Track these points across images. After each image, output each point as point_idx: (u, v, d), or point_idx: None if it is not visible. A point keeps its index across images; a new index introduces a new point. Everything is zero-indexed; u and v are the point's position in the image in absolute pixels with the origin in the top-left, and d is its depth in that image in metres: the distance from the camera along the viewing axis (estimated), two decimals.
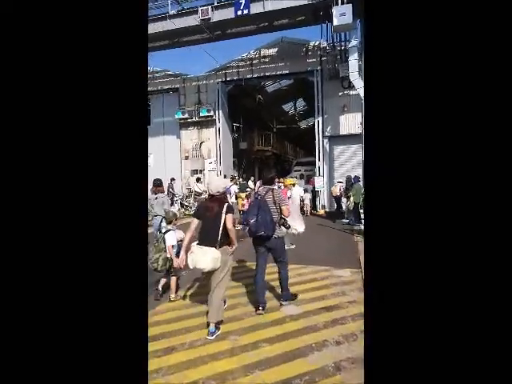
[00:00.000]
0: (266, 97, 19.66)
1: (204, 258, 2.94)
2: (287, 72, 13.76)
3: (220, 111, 14.36)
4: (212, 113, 14.27)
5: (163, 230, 5.44)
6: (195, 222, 3.20)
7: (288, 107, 24.46)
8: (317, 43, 13.31)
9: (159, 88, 15.54)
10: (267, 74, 13.99)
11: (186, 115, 14.62)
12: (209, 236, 3.03)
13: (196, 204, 12.17)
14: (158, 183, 5.58)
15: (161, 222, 5.48)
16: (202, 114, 14.41)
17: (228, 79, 14.53)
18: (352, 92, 12.81)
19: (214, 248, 2.97)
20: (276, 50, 13.82)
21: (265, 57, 14.00)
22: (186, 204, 11.80)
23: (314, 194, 13.21)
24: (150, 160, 9.12)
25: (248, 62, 14.22)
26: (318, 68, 13.12)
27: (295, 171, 19.10)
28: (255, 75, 14.13)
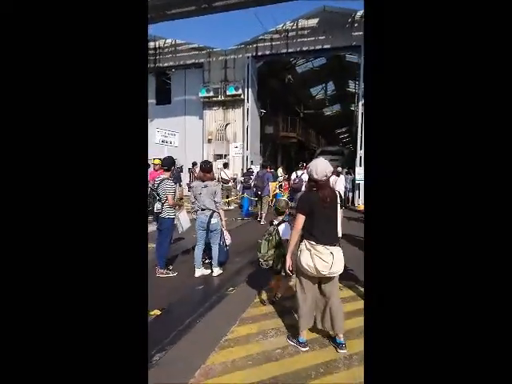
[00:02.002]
0: (295, 78, 17.98)
1: (338, 258, 2.47)
2: (329, 47, 12.07)
3: (249, 90, 12.83)
4: (240, 91, 12.76)
5: (213, 228, 4.16)
6: (302, 218, 2.51)
7: (316, 91, 22.68)
8: None
9: (181, 63, 14.08)
10: (305, 48, 12.32)
11: (211, 93, 13.18)
12: (330, 232, 2.53)
13: (221, 192, 10.80)
14: (207, 167, 4.19)
15: (210, 217, 4.14)
16: (228, 93, 12.94)
17: (259, 54, 12.94)
18: None
19: (338, 247, 2.53)
20: (317, 20, 12.11)
21: (303, 29, 12.31)
22: None
23: (353, 186, 11.73)
24: (175, 140, 7.76)
25: (283, 35, 12.57)
26: None
27: None
28: (291, 50, 12.49)
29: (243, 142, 13.04)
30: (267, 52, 12.82)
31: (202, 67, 13.75)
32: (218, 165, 13.39)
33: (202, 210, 4.22)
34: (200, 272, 4.33)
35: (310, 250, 2.46)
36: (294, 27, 12.40)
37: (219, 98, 13.25)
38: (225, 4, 10.90)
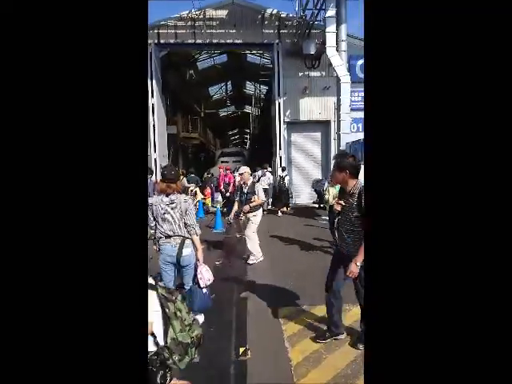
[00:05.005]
0: (196, 74, 16.77)
1: None
2: (240, 42, 11.43)
3: (153, 82, 11.02)
4: None
5: (185, 262, 2.78)
6: None
7: (213, 90, 21.90)
8: (274, 11, 11.41)
9: None
10: (215, 41, 11.34)
11: None
12: None
13: None
14: (172, 175, 2.85)
15: (181, 246, 2.86)
16: None
17: (162, 42, 11.27)
18: (313, 73, 11.49)
19: None
20: (226, 12, 11.30)
21: (211, 19, 11.31)
22: None
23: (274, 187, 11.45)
24: None
25: (189, 23, 11.27)
26: (277, 41, 11.25)
27: (222, 162, 17.16)
28: (199, 41, 11.31)
29: (150, 143, 11.13)
30: (171, 40, 11.29)
31: None
32: None
33: (168, 236, 2.86)
34: None
35: None
36: (201, 16, 11.27)
37: None
38: None
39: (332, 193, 5.24)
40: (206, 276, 3.04)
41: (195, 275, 2.98)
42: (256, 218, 5.07)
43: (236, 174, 8.54)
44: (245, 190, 5.09)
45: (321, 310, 3.04)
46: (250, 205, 4.95)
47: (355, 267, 2.34)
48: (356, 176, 2.46)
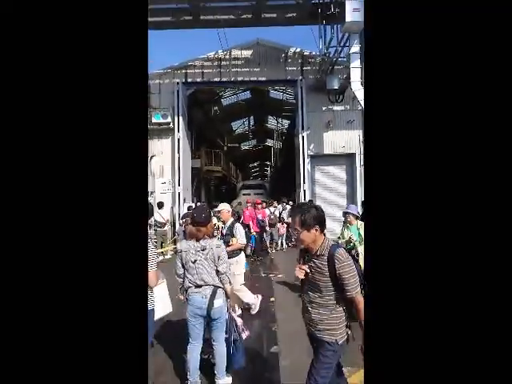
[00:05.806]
0: (220, 110, 17.28)
1: None
2: (264, 79, 11.72)
3: (180, 118, 11.33)
4: (169, 119, 11.14)
5: (216, 314, 2.47)
6: None
7: (236, 125, 22.43)
8: (298, 50, 11.72)
9: None
10: (239, 78, 11.69)
11: None
12: None
13: (156, 237, 8.64)
14: (203, 217, 2.60)
15: (212, 297, 2.57)
16: (155, 120, 11.15)
17: (189, 80, 11.73)
18: (336, 107, 11.48)
19: None
20: (250, 52, 11.72)
21: (237, 59, 11.74)
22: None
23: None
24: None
25: (216, 63, 11.73)
26: (300, 78, 11.44)
27: (244, 195, 17.09)
28: (224, 79, 11.69)
29: (174, 176, 11.23)
30: (198, 79, 11.73)
31: None
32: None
33: (197, 286, 2.60)
34: None
35: None
36: (227, 56, 11.73)
37: None
38: (153, 21, 9.51)
39: (347, 236, 4.25)
40: (244, 330, 2.74)
41: (230, 328, 2.66)
42: (238, 266, 4.19)
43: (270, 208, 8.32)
44: (223, 231, 4.31)
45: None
46: (227, 249, 4.08)
47: None
48: (323, 231, 1.91)
